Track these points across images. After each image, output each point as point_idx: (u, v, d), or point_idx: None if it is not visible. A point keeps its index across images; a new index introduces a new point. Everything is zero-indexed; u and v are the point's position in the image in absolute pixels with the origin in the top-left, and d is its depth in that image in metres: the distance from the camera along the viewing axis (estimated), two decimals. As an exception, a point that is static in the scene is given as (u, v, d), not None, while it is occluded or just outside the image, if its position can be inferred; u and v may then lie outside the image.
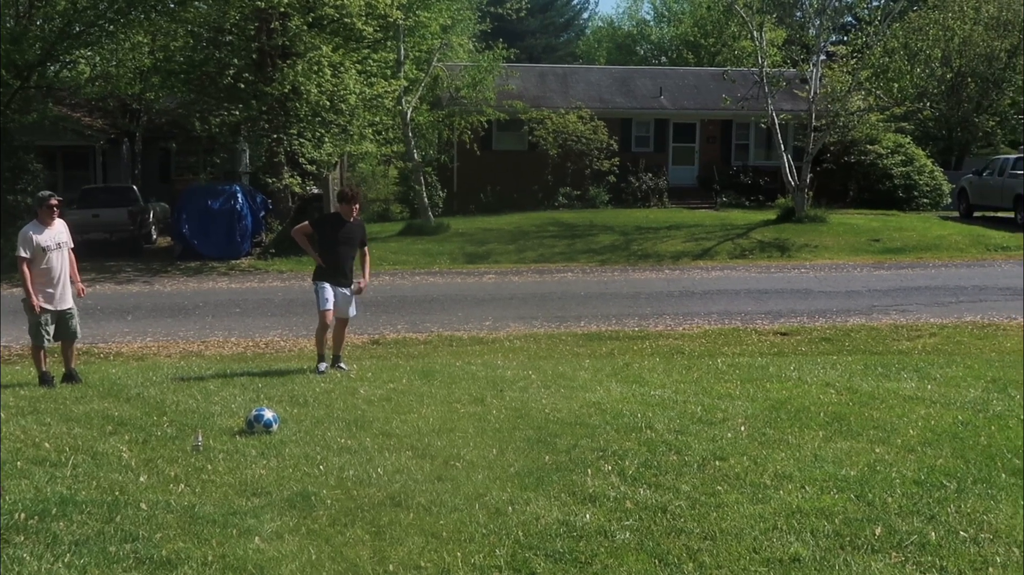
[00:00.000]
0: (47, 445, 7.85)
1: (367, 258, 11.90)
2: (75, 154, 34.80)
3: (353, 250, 11.64)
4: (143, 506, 6.31)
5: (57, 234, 10.83)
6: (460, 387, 10.39)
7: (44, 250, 10.61)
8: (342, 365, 11.60)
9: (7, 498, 6.43)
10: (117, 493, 6.63)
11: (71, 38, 26.91)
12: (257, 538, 5.80)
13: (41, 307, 10.63)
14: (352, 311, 11.73)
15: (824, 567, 5.43)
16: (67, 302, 10.94)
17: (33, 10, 26.52)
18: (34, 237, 10.60)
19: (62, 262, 10.83)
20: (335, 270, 11.44)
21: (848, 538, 5.82)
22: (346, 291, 11.52)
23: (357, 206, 11.71)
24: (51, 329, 10.80)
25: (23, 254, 10.57)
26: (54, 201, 10.81)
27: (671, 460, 7.44)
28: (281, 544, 5.73)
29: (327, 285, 11.36)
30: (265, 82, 26.46)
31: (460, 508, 6.34)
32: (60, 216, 11.00)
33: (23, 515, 6.07)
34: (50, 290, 10.71)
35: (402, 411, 9.16)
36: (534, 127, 34.97)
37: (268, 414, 8.45)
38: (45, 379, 10.77)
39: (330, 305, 11.28)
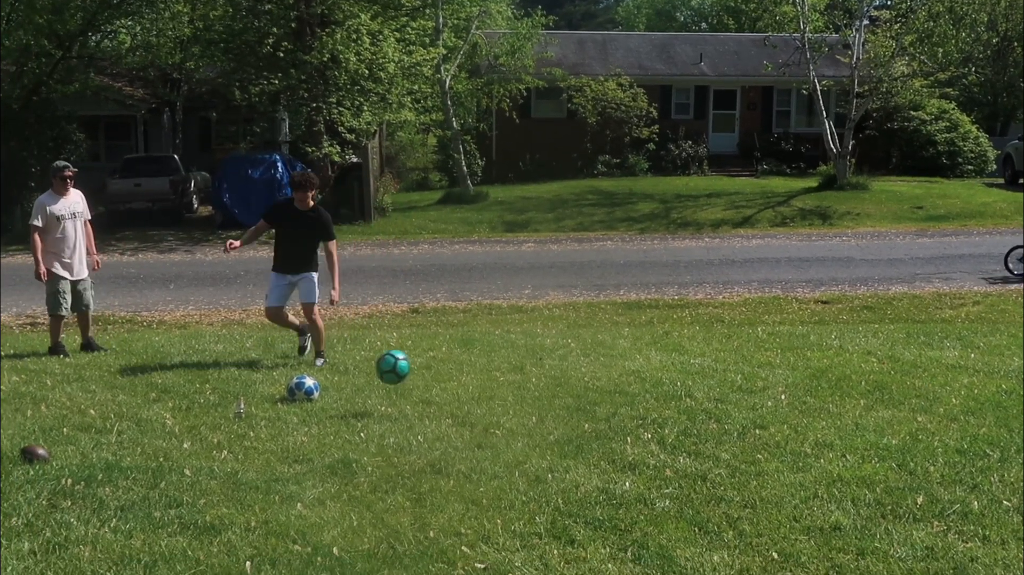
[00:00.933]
0: (92, 412, 7.95)
1: (334, 259, 10.55)
2: (117, 124, 35.06)
3: (311, 242, 10.52)
4: (187, 472, 6.39)
5: (72, 204, 10.82)
6: (499, 355, 10.42)
7: (58, 219, 10.62)
8: (310, 349, 10.59)
9: (54, 464, 6.53)
10: (161, 459, 6.71)
11: (112, 8, 27.03)
12: (299, 504, 5.85)
13: (53, 274, 10.61)
14: (311, 296, 10.45)
15: (865, 536, 5.41)
16: (82, 272, 10.93)
17: (74, -21, 26.68)
18: (48, 206, 10.61)
19: (77, 232, 10.82)
20: (286, 260, 10.54)
21: (889, 507, 5.80)
22: (301, 276, 10.50)
23: (311, 193, 10.43)
24: (68, 298, 10.78)
25: (36, 223, 10.60)
26: (68, 172, 10.81)
27: (711, 428, 7.44)
28: (323, 510, 5.78)
29: (274, 275, 10.60)
30: (304, 51, 26.46)
31: (500, 475, 6.37)
32: (75, 187, 10.98)
33: (70, 480, 6.16)
34: (66, 259, 10.72)
35: (442, 379, 9.21)
36: (573, 95, 34.79)
37: (309, 381, 8.51)
38: (57, 350, 10.74)
39: (270, 302, 10.52)
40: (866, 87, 31.63)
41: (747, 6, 53.73)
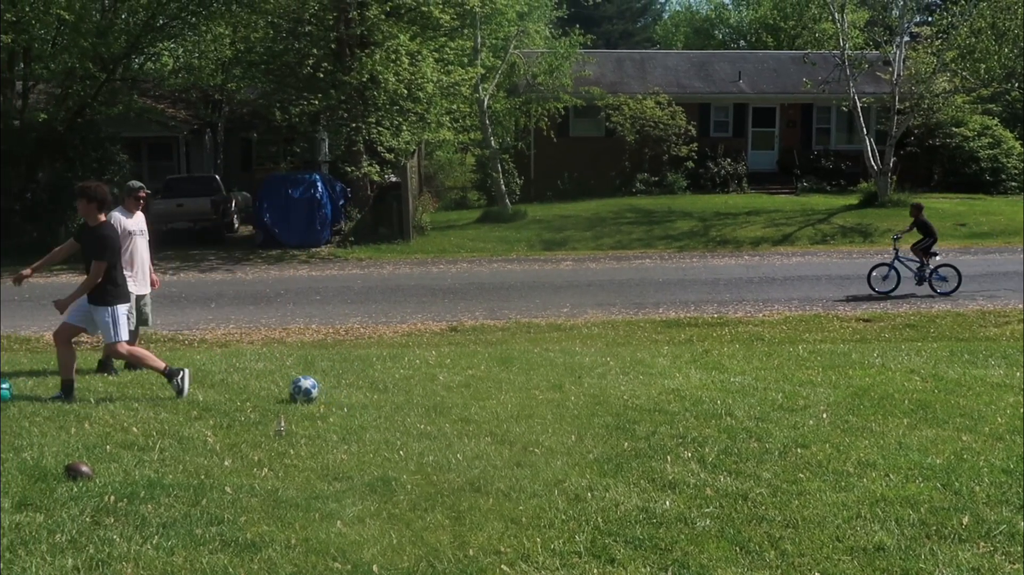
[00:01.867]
0: (135, 429, 8.01)
1: (87, 280, 9.32)
2: (159, 144, 35.49)
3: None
4: (228, 490, 6.41)
5: (140, 222, 11.07)
6: (538, 373, 10.40)
7: (129, 234, 10.82)
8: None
9: (98, 481, 6.58)
10: (203, 477, 6.74)
11: (155, 31, 27.41)
12: (339, 522, 5.85)
13: None
14: (106, 335, 9.45)
15: (909, 556, 5.34)
16: (145, 288, 11.13)
17: (118, 4, 27.03)
18: (122, 221, 10.79)
19: (145, 249, 11.07)
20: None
21: (934, 527, 5.72)
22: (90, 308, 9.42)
23: (92, 205, 9.27)
24: (133, 318, 10.76)
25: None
26: (142, 194, 11.06)
27: (752, 447, 7.38)
28: (363, 528, 5.78)
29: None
30: (344, 71, 26.70)
31: (539, 494, 6.34)
32: (144, 210, 11.23)
33: (113, 498, 6.20)
34: (130, 274, 10.77)
35: (481, 397, 9.20)
36: (611, 113, 34.82)
37: (306, 382, 8.92)
38: (107, 366, 10.82)
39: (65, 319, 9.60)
40: (907, 104, 31.43)
41: (786, 24, 53.63)
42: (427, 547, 5.53)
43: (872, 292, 17.79)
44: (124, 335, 9.46)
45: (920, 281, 17.95)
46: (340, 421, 8.27)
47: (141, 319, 11.20)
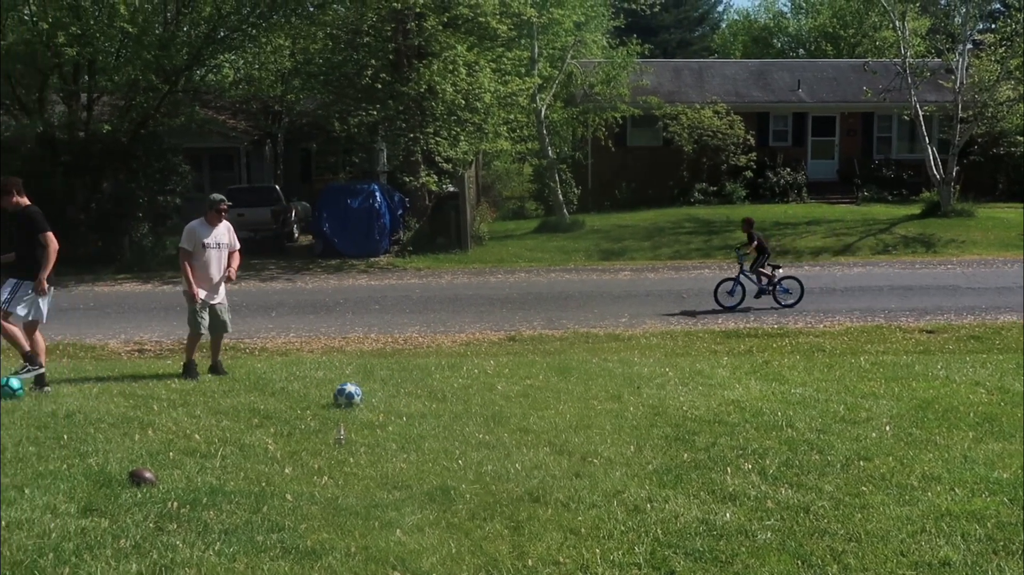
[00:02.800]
0: (197, 437, 8.11)
1: (48, 251, 9.98)
2: (220, 155, 35.93)
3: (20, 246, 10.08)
4: (288, 497, 6.46)
5: (219, 234, 11.36)
6: (597, 384, 10.37)
7: (204, 246, 11.21)
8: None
9: (161, 487, 6.66)
10: (264, 484, 6.80)
11: (216, 43, 27.75)
12: (398, 531, 5.88)
13: (200, 298, 11.21)
14: (23, 311, 10.13)
15: (976, 572, 5.25)
16: (219, 297, 11.48)
17: (180, 17, 27.41)
18: (198, 232, 11.21)
19: (220, 260, 11.36)
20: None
21: (1001, 543, 5.61)
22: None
23: (9, 195, 10.00)
24: (207, 318, 11.33)
25: (185, 247, 11.22)
26: (223, 206, 11.42)
27: (813, 459, 7.30)
28: (422, 537, 5.80)
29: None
30: (402, 82, 26.86)
31: (598, 505, 6.33)
32: (226, 219, 11.55)
33: (175, 504, 6.28)
34: (204, 284, 11.25)
35: (539, 407, 9.19)
36: (669, 123, 34.69)
37: (350, 387, 9.28)
38: (189, 368, 11.26)
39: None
40: (970, 112, 30.96)
41: (846, 32, 53.10)
42: (486, 557, 5.53)
43: (718, 307, 17.78)
44: (16, 309, 10.02)
45: (764, 294, 17.98)
46: (399, 430, 8.31)
47: (220, 326, 11.56)
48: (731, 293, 17.98)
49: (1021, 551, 5.50)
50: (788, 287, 18.04)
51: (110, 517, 6.09)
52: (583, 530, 5.90)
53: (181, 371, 11.39)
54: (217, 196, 11.55)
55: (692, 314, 17.42)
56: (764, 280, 18.04)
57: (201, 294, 11.24)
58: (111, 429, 8.33)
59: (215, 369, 11.48)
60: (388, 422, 8.58)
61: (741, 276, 18.11)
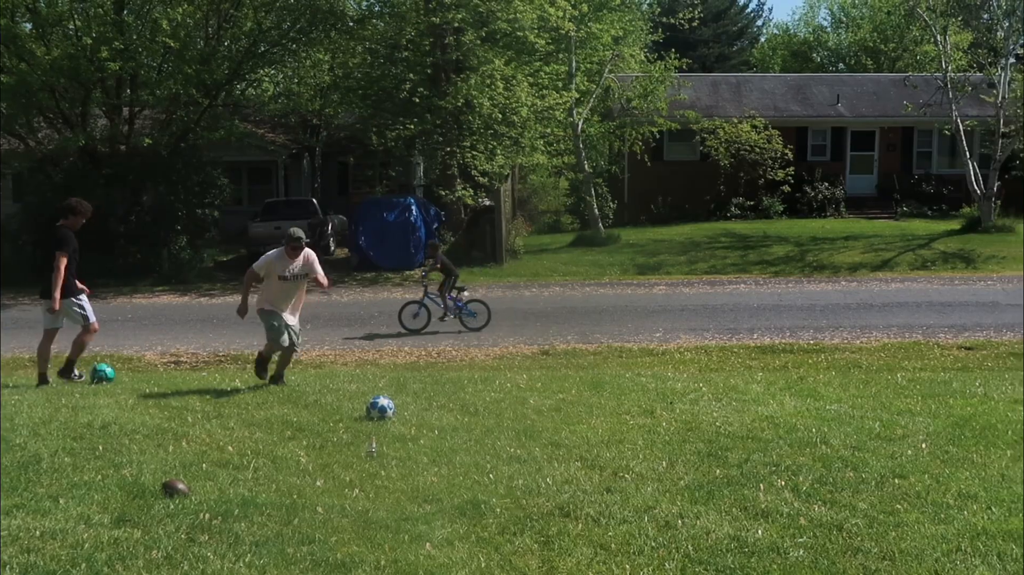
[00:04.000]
0: (230, 448, 8.15)
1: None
2: (259, 169, 36.24)
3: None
4: (319, 510, 6.48)
5: (296, 267, 11.23)
6: (629, 398, 10.33)
7: (281, 279, 11.16)
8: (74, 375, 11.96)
9: (193, 498, 6.70)
10: (295, 496, 6.83)
11: (256, 57, 28.02)
12: (428, 544, 5.88)
13: (265, 309, 11.23)
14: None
15: (1012, 593, 5.18)
16: (292, 320, 11.46)
17: (221, 31, 27.70)
18: (275, 264, 11.15)
19: (296, 291, 11.42)
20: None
21: (1039, 563, 5.53)
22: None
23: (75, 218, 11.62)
24: (285, 333, 11.29)
25: (256, 270, 11.24)
26: (299, 244, 11.19)
27: (847, 477, 7.23)
28: (451, 551, 5.80)
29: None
30: (439, 96, 26.98)
31: (629, 520, 6.30)
32: (308, 252, 11.43)
33: (207, 515, 6.32)
34: (279, 308, 11.26)
35: (571, 421, 9.17)
36: (706, 137, 34.58)
37: (383, 401, 9.39)
38: (261, 371, 11.53)
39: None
40: (1012, 127, 30.65)
41: (886, 46, 52.80)
42: (515, 571, 5.53)
43: (403, 330, 17.53)
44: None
45: (449, 317, 17.72)
46: (431, 443, 8.32)
47: (291, 346, 11.48)
48: (416, 316, 17.71)
49: (1058, 572, 5.42)
50: (474, 310, 17.71)
51: (143, 528, 6.13)
52: (613, 546, 5.88)
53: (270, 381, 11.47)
54: (297, 232, 11.35)
55: (728, 329, 17.31)
56: (450, 302, 17.75)
57: (272, 307, 11.26)
58: (145, 440, 8.40)
59: (277, 379, 11.44)
60: (420, 435, 8.58)
61: (426, 299, 17.86)
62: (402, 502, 6.74)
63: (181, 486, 6.86)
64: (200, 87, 26.73)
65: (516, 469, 7.49)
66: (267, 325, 11.30)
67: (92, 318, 11.78)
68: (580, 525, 6.23)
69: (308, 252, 11.40)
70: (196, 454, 7.98)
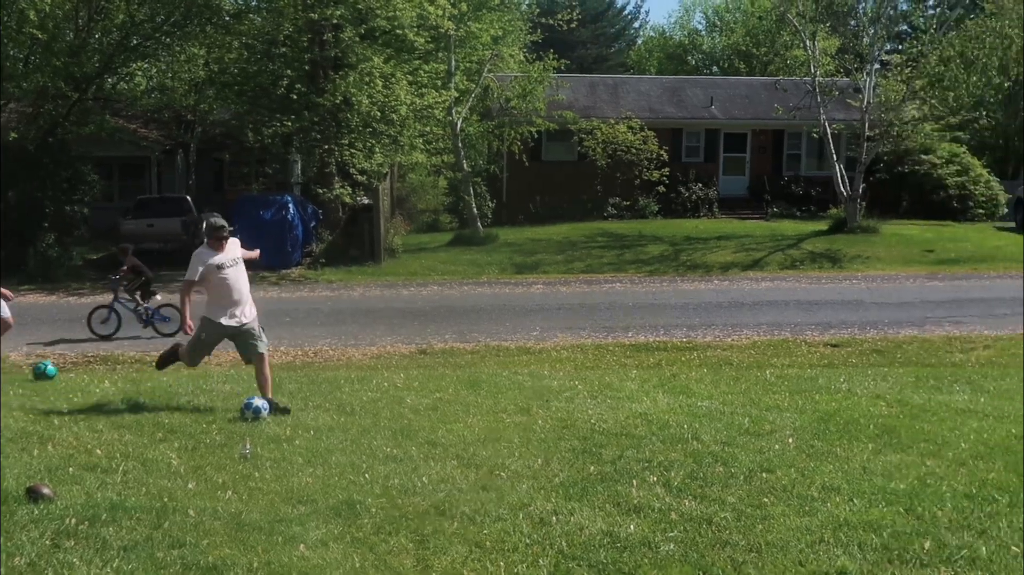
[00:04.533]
0: (99, 451, 7.96)
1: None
2: (131, 165, 35.33)
3: None
4: (191, 512, 6.38)
5: (229, 253, 10.22)
6: (506, 397, 10.40)
7: (219, 267, 10.02)
8: None
9: (59, 503, 6.53)
10: (166, 499, 6.70)
11: (128, 51, 27.32)
12: (302, 546, 5.84)
13: (210, 321, 10.10)
14: None
15: (870, 581, 5.38)
16: (248, 318, 10.17)
17: (92, 23, 26.90)
18: (205, 256, 10.09)
19: (241, 276, 10.23)
20: None
21: (896, 552, 5.76)
22: None
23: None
24: (209, 353, 10.50)
25: (190, 277, 10.13)
26: (224, 234, 10.15)
27: (717, 471, 7.40)
28: (325, 552, 5.77)
29: None
30: (317, 93, 26.71)
31: (504, 518, 6.34)
32: (230, 238, 10.35)
33: (74, 520, 6.16)
34: (229, 306, 10.09)
35: (448, 420, 9.19)
36: (584, 137, 34.91)
37: (257, 402, 9.26)
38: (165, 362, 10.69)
39: None
40: (877, 131, 31.72)
41: (758, 50, 54.11)
42: (390, 571, 5.54)
43: (92, 335, 16.89)
44: None
45: (144, 323, 17.14)
46: (306, 444, 8.25)
47: (253, 353, 10.18)
48: (105, 321, 17.01)
49: (915, 560, 5.64)
50: (167, 315, 17.01)
51: (5, 534, 5.94)
52: (488, 543, 5.92)
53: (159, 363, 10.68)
54: (218, 221, 10.20)
55: (604, 328, 17.53)
56: (136, 306, 17.19)
57: (223, 319, 10.05)
58: (8, 444, 8.14)
59: (274, 407, 9.64)
60: (295, 436, 8.50)
61: (116, 303, 17.20)
62: (276, 503, 6.67)
63: (46, 490, 6.67)
64: (69, 80, 25.96)
65: (392, 468, 7.48)
66: (197, 336, 10.17)
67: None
68: (455, 523, 6.25)
69: (234, 239, 10.39)
70: (62, 458, 7.77)
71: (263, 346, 10.18)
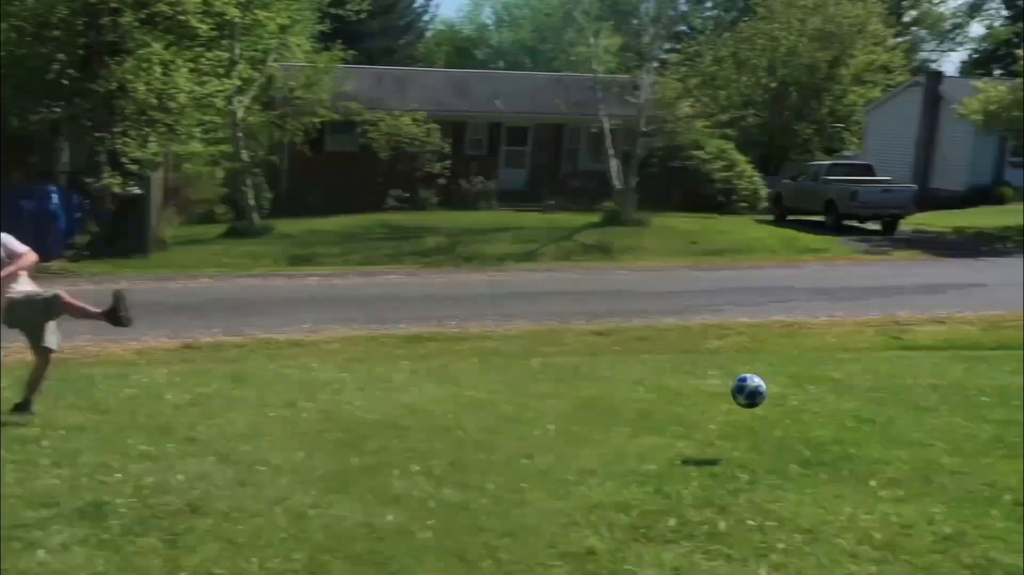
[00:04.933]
0: None
1: None
2: None
3: None
4: (-84, 522, 6.00)
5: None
6: (272, 391, 10.22)
7: None
8: None
9: None
10: None
11: None
12: (41, 551, 5.58)
13: None
14: None
15: (617, 559, 5.57)
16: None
17: None
18: None
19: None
20: None
21: (643, 530, 5.98)
22: None
23: None
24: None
25: None
26: None
27: (478, 459, 7.51)
28: (68, 556, 5.54)
29: None
30: (91, 79, 25.55)
31: (260, 513, 6.25)
32: None
33: None
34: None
35: (209, 416, 8.96)
36: (368, 129, 34.74)
37: (752, 382, 7.94)
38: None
39: None
40: (652, 127, 32.79)
41: (544, 46, 55.10)
42: (137, 572, 5.38)
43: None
44: None
45: None
46: (54, 444, 7.87)
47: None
48: None
49: (659, 537, 5.89)
50: None
51: None
52: (242, 539, 5.81)
53: None
54: None
55: (377, 319, 17.48)
56: None
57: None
58: None
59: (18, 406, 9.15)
60: (43, 436, 8.09)
61: None
62: (17, 508, 6.34)
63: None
64: None
65: (146, 467, 7.24)
66: None
67: None
68: (210, 521, 6.12)
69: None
70: None
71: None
